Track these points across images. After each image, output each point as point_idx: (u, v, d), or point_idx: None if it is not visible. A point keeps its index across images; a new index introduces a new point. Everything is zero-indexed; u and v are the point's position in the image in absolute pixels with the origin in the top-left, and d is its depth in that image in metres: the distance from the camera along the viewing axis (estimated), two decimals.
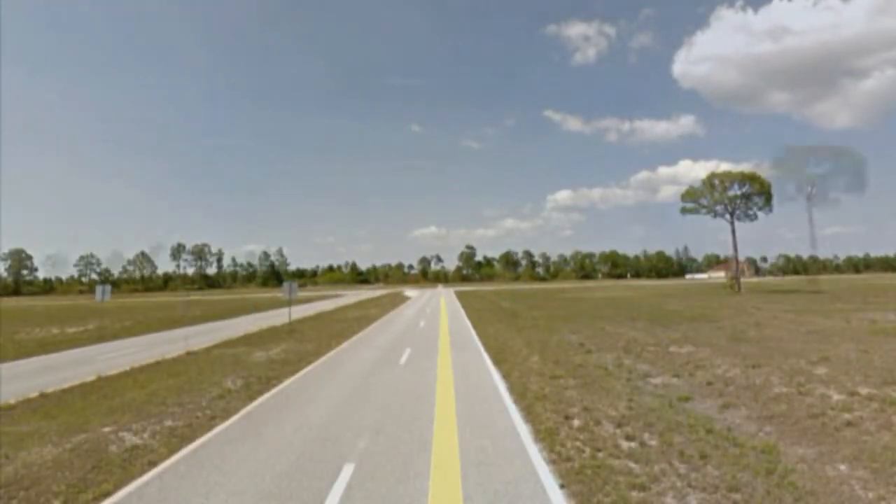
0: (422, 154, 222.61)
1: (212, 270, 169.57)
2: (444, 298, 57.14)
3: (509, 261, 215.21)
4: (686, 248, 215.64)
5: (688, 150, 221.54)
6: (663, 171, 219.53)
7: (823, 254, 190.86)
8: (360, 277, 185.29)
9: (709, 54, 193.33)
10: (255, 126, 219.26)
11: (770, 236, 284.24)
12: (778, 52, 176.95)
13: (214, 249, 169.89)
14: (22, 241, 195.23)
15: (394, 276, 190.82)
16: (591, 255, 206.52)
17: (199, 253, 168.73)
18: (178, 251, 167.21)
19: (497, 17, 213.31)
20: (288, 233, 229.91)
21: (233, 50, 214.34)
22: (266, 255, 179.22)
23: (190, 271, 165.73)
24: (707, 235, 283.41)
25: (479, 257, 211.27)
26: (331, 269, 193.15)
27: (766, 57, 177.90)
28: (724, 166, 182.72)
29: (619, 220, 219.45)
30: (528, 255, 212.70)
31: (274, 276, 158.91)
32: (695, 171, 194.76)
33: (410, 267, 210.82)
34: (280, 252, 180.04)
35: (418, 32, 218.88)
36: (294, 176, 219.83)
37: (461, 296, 62.33)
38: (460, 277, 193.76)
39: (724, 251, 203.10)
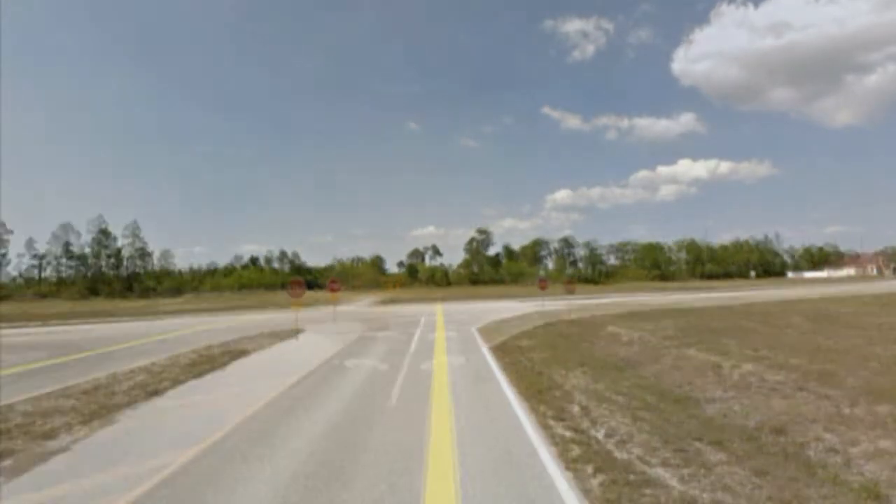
0: (420, 152, 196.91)
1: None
2: None
3: (536, 255, 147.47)
4: (777, 237, 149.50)
5: (688, 149, 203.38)
6: (662, 169, 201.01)
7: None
8: (300, 277, 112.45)
9: (709, 51, 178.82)
10: (251, 126, 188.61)
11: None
12: (780, 48, 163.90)
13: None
14: None
15: (365, 277, 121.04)
16: (662, 247, 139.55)
17: None
18: None
19: (493, 14, 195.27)
20: (286, 232, 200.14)
21: (226, 47, 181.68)
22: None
23: None
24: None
25: (497, 248, 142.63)
26: (254, 262, 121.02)
27: (768, 53, 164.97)
28: (725, 165, 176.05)
29: (619, 220, 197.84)
30: (566, 243, 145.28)
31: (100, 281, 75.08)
32: (694, 169, 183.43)
33: (401, 264, 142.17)
34: (100, 224, 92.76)
35: (413, 29, 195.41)
36: (290, 175, 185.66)
37: None
38: (469, 278, 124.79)
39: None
